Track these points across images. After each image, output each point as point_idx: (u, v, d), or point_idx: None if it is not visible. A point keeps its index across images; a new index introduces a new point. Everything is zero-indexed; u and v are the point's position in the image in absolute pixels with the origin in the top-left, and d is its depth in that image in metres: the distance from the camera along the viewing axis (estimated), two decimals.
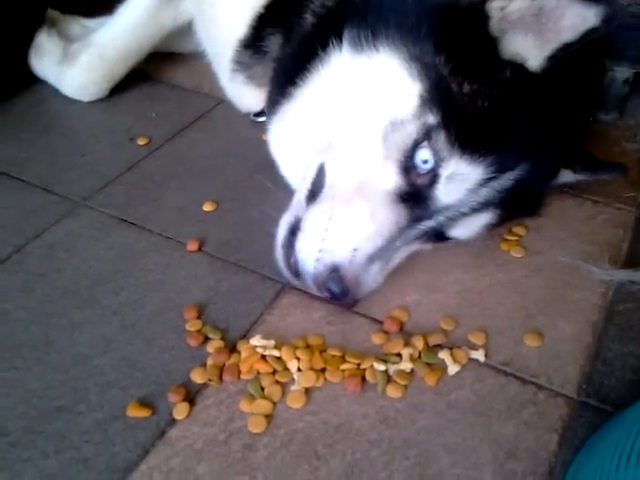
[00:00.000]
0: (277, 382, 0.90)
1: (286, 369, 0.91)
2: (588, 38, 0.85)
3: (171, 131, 1.42)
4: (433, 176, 0.91)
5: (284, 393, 0.89)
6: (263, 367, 0.91)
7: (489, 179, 0.92)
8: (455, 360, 0.94)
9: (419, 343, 0.95)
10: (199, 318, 0.99)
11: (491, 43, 0.89)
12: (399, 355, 0.94)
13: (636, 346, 0.98)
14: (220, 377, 0.91)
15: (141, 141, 1.38)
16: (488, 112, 0.89)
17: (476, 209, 0.96)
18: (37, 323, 0.98)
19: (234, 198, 1.23)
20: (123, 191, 1.25)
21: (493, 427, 0.87)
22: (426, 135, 0.89)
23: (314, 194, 0.98)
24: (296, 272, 0.96)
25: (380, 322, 1.00)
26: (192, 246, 1.11)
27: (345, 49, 0.99)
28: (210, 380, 0.90)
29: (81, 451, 0.82)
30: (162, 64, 1.61)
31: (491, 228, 1.04)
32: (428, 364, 0.93)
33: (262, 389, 0.89)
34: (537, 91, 0.91)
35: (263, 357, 0.92)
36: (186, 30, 1.45)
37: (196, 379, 0.90)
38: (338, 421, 0.87)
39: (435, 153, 0.90)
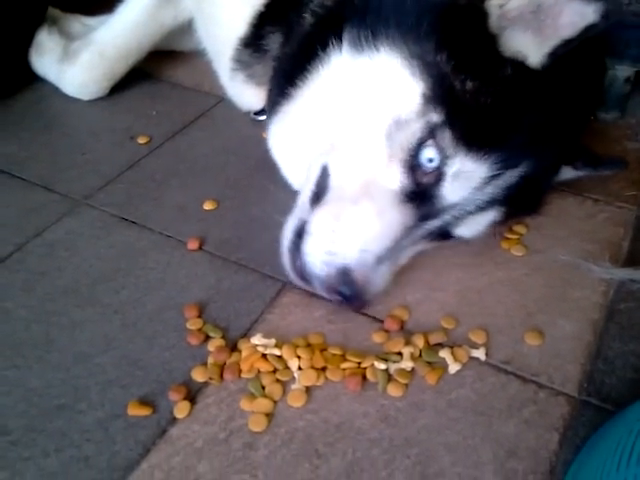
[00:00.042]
0: (278, 381, 0.90)
1: (287, 368, 0.91)
2: (587, 34, 0.85)
3: (172, 130, 1.42)
4: (438, 174, 0.91)
5: (285, 392, 0.89)
6: (264, 366, 0.91)
7: (494, 176, 0.92)
8: (456, 359, 0.94)
9: (420, 342, 0.95)
10: (200, 317, 0.99)
11: (491, 41, 0.89)
12: (400, 354, 0.94)
13: (637, 345, 0.98)
14: (221, 376, 0.91)
15: (142, 140, 1.38)
16: (491, 109, 0.89)
17: (481, 207, 0.96)
18: (38, 322, 0.98)
19: (235, 196, 1.23)
20: (124, 190, 1.25)
21: (494, 426, 0.87)
22: (430, 134, 0.89)
23: (318, 196, 0.98)
24: (304, 275, 0.96)
25: (381, 321, 0.99)
26: (193, 245, 1.11)
27: (345, 49, 0.99)
28: (211, 379, 0.90)
29: (82, 450, 0.82)
30: (162, 63, 1.61)
31: (496, 226, 1.03)
32: (429, 363, 0.93)
33: (263, 388, 0.89)
34: (539, 88, 0.91)
35: (264, 356, 0.92)
36: (186, 28, 1.45)
37: (197, 378, 0.90)
38: (339, 420, 0.87)
39: (440, 151, 0.89)
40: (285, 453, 0.83)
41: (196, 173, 1.29)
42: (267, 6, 1.22)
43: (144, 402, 0.87)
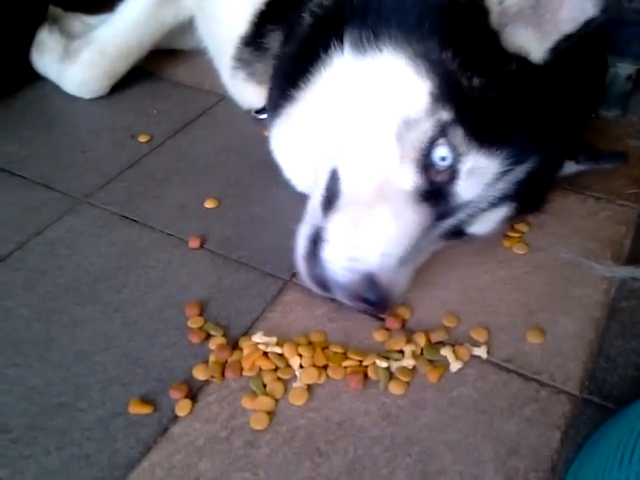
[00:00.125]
0: (279, 379, 0.90)
1: (288, 366, 0.91)
2: (588, 29, 0.85)
3: (172, 128, 1.42)
4: (452, 172, 0.91)
5: (286, 390, 0.89)
6: (265, 364, 0.91)
7: (505, 172, 0.92)
8: (457, 357, 0.94)
9: (421, 340, 0.95)
10: (201, 315, 0.99)
11: (494, 37, 0.89)
12: (401, 352, 0.94)
13: (639, 343, 0.97)
14: (222, 374, 0.91)
15: (142, 138, 1.38)
16: (500, 105, 0.89)
17: (493, 203, 0.96)
18: (38, 320, 0.98)
19: (236, 195, 1.23)
20: (125, 188, 1.25)
21: (495, 424, 0.86)
22: (442, 132, 0.89)
23: (330, 200, 0.97)
24: (321, 283, 0.95)
25: (382, 319, 0.99)
26: (194, 243, 1.11)
27: (347, 51, 0.98)
28: (212, 377, 0.90)
29: (83, 448, 0.82)
30: (163, 61, 1.61)
31: (508, 221, 1.03)
32: (430, 361, 0.93)
33: (264, 386, 0.89)
34: (543, 83, 0.91)
35: (265, 354, 0.92)
36: (187, 27, 1.45)
37: (198, 376, 0.90)
38: (340, 418, 0.87)
39: (453, 149, 0.89)
40: (286, 451, 0.83)
41: (197, 171, 1.29)
42: (267, 4, 1.22)
43: (145, 400, 0.87)
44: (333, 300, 0.98)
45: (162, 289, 1.04)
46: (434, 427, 0.86)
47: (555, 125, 0.97)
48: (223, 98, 1.48)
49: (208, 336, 0.96)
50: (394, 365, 0.92)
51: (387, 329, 0.98)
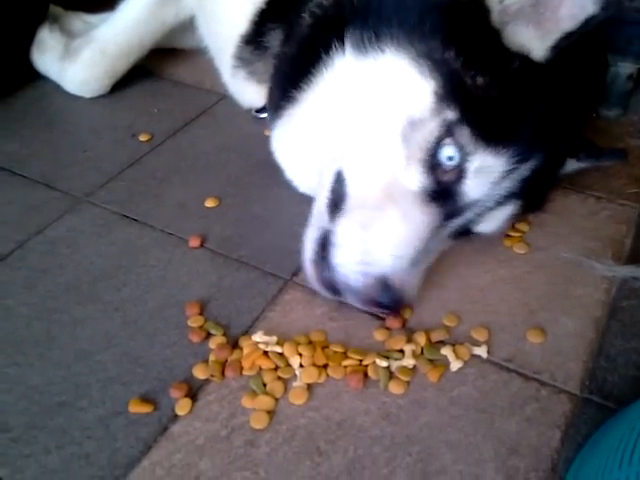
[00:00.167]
0: (279, 378, 0.90)
1: (288, 365, 0.91)
2: (589, 26, 0.85)
3: (173, 127, 1.42)
4: (459, 172, 0.91)
5: (286, 389, 0.89)
6: (265, 363, 0.91)
7: (511, 170, 0.92)
8: (457, 356, 0.93)
9: (421, 339, 0.95)
10: (201, 314, 0.99)
11: (496, 36, 0.89)
12: (401, 351, 0.94)
13: (639, 342, 0.97)
14: (222, 373, 0.91)
15: (143, 137, 1.38)
16: (504, 103, 0.89)
17: (500, 202, 0.96)
18: (39, 319, 0.98)
19: (236, 194, 1.23)
20: (125, 187, 1.25)
21: (495, 423, 0.86)
22: (448, 131, 0.89)
23: (336, 203, 0.96)
24: (330, 286, 0.95)
25: (382, 318, 0.99)
26: (194, 242, 1.11)
27: (348, 51, 0.98)
28: (212, 376, 0.90)
29: (83, 447, 0.82)
30: (164, 60, 1.61)
31: (514, 219, 1.04)
32: (430, 360, 0.93)
33: (264, 385, 0.89)
34: (545, 81, 0.91)
35: (265, 353, 0.92)
36: (188, 26, 1.45)
37: (198, 375, 0.90)
38: (340, 417, 0.87)
39: (460, 148, 0.89)
40: (286, 450, 0.83)
41: (197, 171, 1.29)
42: (268, 3, 1.22)
43: (145, 399, 0.87)
44: (336, 301, 0.99)
45: (162, 288, 1.04)
46: (434, 426, 0.86)
47: (557, 123, 0.97)
48: (223, 97, 1.48)
49: (208, 335, 0.96)
50: (394, 364, 0.92)
51: (387, 328, 0.98)
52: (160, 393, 0.88)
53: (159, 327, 0.97)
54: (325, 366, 0.92)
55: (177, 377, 0.90)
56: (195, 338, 0.95)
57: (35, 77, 1.52)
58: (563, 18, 0.86)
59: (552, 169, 1.05)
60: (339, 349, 0.93)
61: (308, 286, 1.04)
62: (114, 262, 1.08)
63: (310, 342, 0.95)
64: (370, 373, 0.91)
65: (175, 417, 0.86)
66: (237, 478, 0.80)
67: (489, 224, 1.00)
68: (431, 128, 0.89)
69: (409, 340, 0.95)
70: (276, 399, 0.88)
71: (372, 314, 0.99)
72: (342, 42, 0.98)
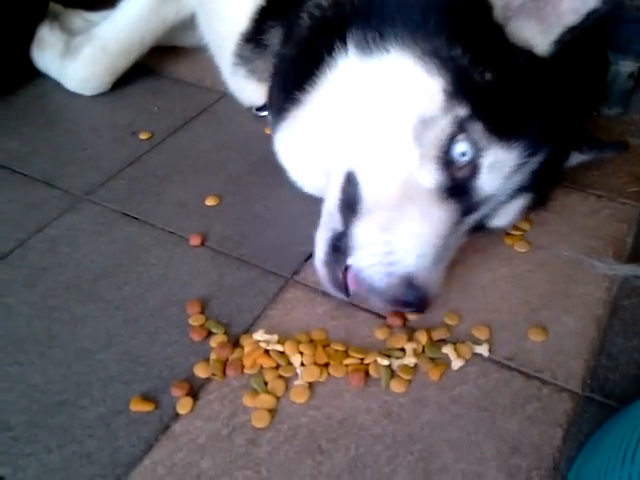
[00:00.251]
0: (280, 377, 0.90)
1: (289, 364, 0.91)
2: (591, 20, 0.85)
3: (173, 125, 1.41)
4: (473, 167, 0.91)
5: (287, 388, 0.89)
6: (266, 362, 0.91)
7: (522, 164, 0.92)
8: (459, 355, 0.93)
9: (423, 338, 0.95)
10: (202, 313, 0.99)
11: (500, 31, 0.89)
12: (402, 350, 0.94)
13: None
14: (223, 372, 0.90)
15: (143, 135, 1.38)
16: (512, 98, 0.89)
17: (512, 196, 0.96)
18: (40, 317, 0.98)
19: (237, 192, 1.23)
20: (125, 185, 1.24)
21: (497, 422, 0.86)
22: (460, 128, 0.88)
23: (348, 204, 0.96)
24: (343, 287, 0.95)
25: (383, 317, 0.99)
26: (195, 241, 1.11)
27: (351, 52, 0.97)
28: (213, 375, 0.90)
29: (84, 445, 0.82)
30: (164, 58, 1.61)
31: (526, 212, 1.04)
32: (432, 359, 0.93)
33: (265, 384, 0.89)
34: (550, 76, 0.91)
35: (266, 352, 0.92)
36: (188, 24, 1.45)
37: (199, 374, 0.90)
38: (342, 416, 0.87)
39: (474, 144, 0.89)
40: (288, 449, 0.83)
41: (198, 169, 1.29)
42: (268, 1, 1.22)
43: (146, 398, 0.87)
44: (337, 300, 0.99)
45: (163, 287, 1.04)
46: (436, 425, 0.86)
47: (563, 116, 0.98)
48: (224, 95, 1.48)
49: (209, 334, 0.96)
50: (395, 363, 0.92)
51: (388, 326, 0.97)
52: (161, 392, 0.88)
53: (160, 326, 0.97)
54: (326, 365, 0.92)
55: (178, 376, 0.90)
56: (196, 337, 0.95)
57: (35, 75, 1.52)
58: (565, 12, 0.86)
59: (558, 162, 1.06)
60: (340, 348, 0.93)
61: (309, 285, 1.04)
62: (115, 261, 1.08)
63: (311, 341, 0.95)
64: (371, 372, 0.91)
65: (176, 416, 0.86)
66: (238, 477, 0.80)
67: (502, 218, 1.00)
68: (443, 125, 0.89)
69: (410, 339, 0.95)
70: (277, 398, 0.88)
71: (373, 312, 0.99)
72: (344, 43, 0.98)
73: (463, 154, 0.89)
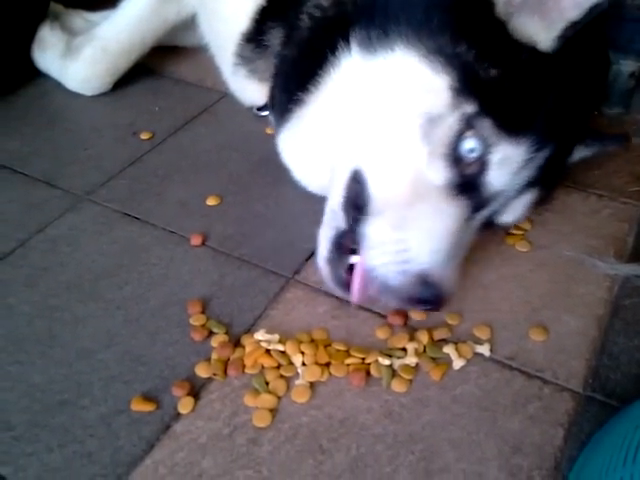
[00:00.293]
0: (281, 376, 0.90)
1: (290, 363, 0.91)
2: (593, 15, 0.85)
3: (174, 125, 1.41)
4: (481, 163, 0.91)
5: (289, 387, 0.89)
6: (267, 361, 0.91)
7: (529, 159, 0.93)
8: (460, 354, 0.93)
9: (424, 337, 0.95)
10: (203, 312, 0.99)
11: (503, 28, 0.89)
12: (404, 350, 0.94)
13: None
14: (224, 371, 0.90)
15: (144, 135, 1.38)
16: (518, 93, 0.89)
17: (520, 191, 0.96)
18: (41, 317, 0.98)
19: (238, 192, 1.23)
20: (126, 185, 1.24)
21: (498, 422, 0.86)
22: (468, 125, 0.88)
23: (353, 202, 0.95)
24: (346, 285, 0.94)
25: (384, 316, 0.99)
26: (196, 240, 1.11)
27: (355, 51, 0.97)
28: (214, 374, 0.90)
29: (85, 445, 0.82)
30: (165, 58, 1.61)
31: (533, 207, 1.04)
32: (433, 358, 0.93)
33: (266, 383, 0.89)
34: (554, 71, 0.91)
35: (267, 351, 0.92)
36: (189, 24, 1.45)
37: (200, 373, 0.90)
38: (343, 415, 0.87)
39: (483, 140, 0.89)
40: (289, 449, 0.83)
41: (199, 169, 1.29)
42: (269, 1, 1.22)
43: (147, 398, 0.87)
44: (338, 299, 0.99)
45: (164, 286, 1.04)
46: (437, 425, 0.86)
47: (568, 111, 0.98)
48: (225, 95, 1.48)
49: (210, 333, 0.96)
50: (397, 363, 0.92)
51: (389, 326, 0.97)
52: (162, 391, 0.88)
53: (161, 325, 0.97)
54: (327, 364, 0.92)
55: (179, 375, 0.90)
56: (197, 336, 0.95)
57: (36, 75, 1.52)
58: (567, 7, 0.86)
59: (564, 157, 1.06)
60: (341, 347, 0.93)
61: (310, 284, 1.04)
62: (115, 260, 1.08)
63: (312, 340, 0.95)
64: (372, 371, 0.91)
65: (177, 415, 0.86)
66: (240, 476, 0.80)
67: (511, 214, 1.00)
68: (450, 123, 0.89)
69: (411, 338, 0.95)
70: (278, 397, 0.88)
71: (374, 312, 0.99)
72: (347, 42, 0.98)
73: (472, 150, 0.89)
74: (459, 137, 0.89)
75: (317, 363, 0.91)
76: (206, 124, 1.43)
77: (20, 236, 1.12)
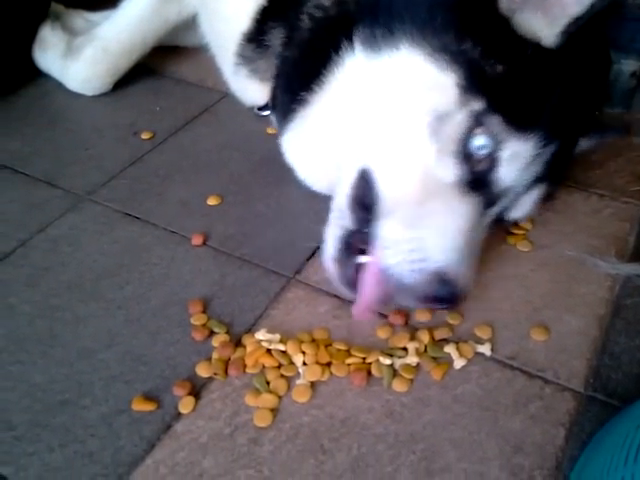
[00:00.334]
0: (282, 376, 0.90)
1: (291, 363, 0.91)
2: (595, 10, 0.85)
3: (175, 125, 1.41)
4: (491, 160, 0.91)
5: (289, 387, 0.89)
6: (268, 361, 0.91)
7: (537, 154, 0.93)
8: (461, 354, 0.93)
9: (425, 337, 0.95)
10: (204, 312, 0.99)
11: (507, 24, 0.89)
12: (405, 349, 0.94)
13: None
14: (225, 371, 0.90)
15: (145, 135, 1.38)
16: (525, 89, 0.89)
17: (528, 187, 0.97)
18: (42, 317, 0.98)
19: (238, 192, 1.23)
20: (127, 185, 1.24)
21: (500, 421, 0.86)
22: (477, 121, 0.89)
23: (361, 202, 0.95)
24: (353, 285, 0.94)
25: (386, 316, 0.99)
26: (197, 240, 1.11)
27: (359, 50, 0.97)
28: (215, 374, 0.90)
29: (86, 445, 0.82)
30: (166, 58, 1.61)
31: (541, 202, 1.04)
32: (434, 358, 0.93)
33: (267, 383, 0.89)
34: (559, 67, 0.92)
35: (268, 351, 0.92)
36: (190, 24, 1.45)
37: (201, 373, 0.90)
38: (344, 415, 0.86)
39: (492, 137, 0.89)
40: (290, 448, 0.83)
41: (200, 169, 1.29)
42: (270, 1, 1.22)
43: (148, 397, 0.87)
44: (339, 298, 0.99)
45: (165, 286, 1.04)
46: (438, 424, 0.86)
47: (573, 106, 0.98)
48: (225, 95, 1.48)
49: (211, 333, 0.96)
50: (398, 362, 0.92)
51: (390, 325, 0.97)
52: (163, 391, 0.88)
53: (162, 325, 0.97)
54: (328, 364, 0.92)
55: (180, 375, 0.90)
56: (198, 336, 0.95)
57: (37, 75, 1.52)
58: (569, 3, 0.86)
59: (569, 151, 1.06)
60: (342, 347, 0.93)
61: (311, 284, 1.04)
62: (116, 260, 1.08)
63: (313, 340, 0.95)
64: (373, 371, 0.91)
65: (178, 415, 0.86)
66: (241, 476, 0.80)
67: (520, 210, 1.01)
68: (459, 120, 0.89)
69: (412, 338, 0.95)
70: (279, 397, 0.88)
71: (378, 312, 0.99)
72: (350, 41, 0.97)
73: (482, 147, 0.90)
74: (468, 134, 0.89)
75: (318, 363, 0.91)
76: (207, 124, 1.43)
77: (21, 236, 1.12)
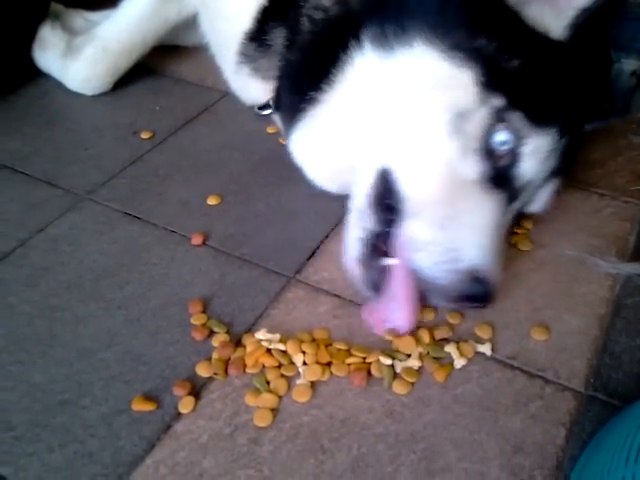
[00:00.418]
0: (283, 376, 0.90)
1: (292, 363, 0.91)
2: (601, 2, 0.86)
3: (175, 125, 1.41)
4: (513, 155, 0.91)
5: (290, 387, 0.89)
6: (268, 361, 0.91)
7: (554, 148, 0.94)
8: (461, 354, 0.93)
9: (425, 337, 0.95)
10: (204, 312, 0.99)
11: (517, 18, 0.90)
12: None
13: None
14: (225, 371, 0.90)
15: (145, 135, 1.37)
16: (541, 83, 0.90)
17: (545, 180, 0.98)
18: (41, 317, 0.98)
19: (238, 192, 1.23)
20: (127, 185, 1.24)
21: (500, 421, 0.86)
22: (498, 117, 0.89)
23: (382, 202, 0.94)
24: (376, 287, 0.94)
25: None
26: (196, 240, 1.11)
27: (368, 49, 0.96)
28: (215, 374, 0.90)
29: (86, 445, 0.82)
30: (166, 58, 1.61)
31: (556, 195, 1.05)
32: (436, 359, 0.92)
33: (267, 383, 0.89)
34: (571, 59, 0.93)
35: (268, 351, 0.92)
36: (190, 23, 1.45)
37: (201, 373, 0.90)
38: (344, 415, 0.86)
39: (515, 132, 0.90)
40: (290, 448, 0.83)
41: (199, 168, 1.29)
42: (270, 1, 1.22)
43: (148, 397, 0.87)
44: (339, 298, 0.98)
45: (165, 286, 1.03)
46: (438, 424, 0.86)
47: (584, 99, 0.99)
48: (225, 95, 1.48)
49: (211, 333, 0.95)
50: (399, 365, 0.91)
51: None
52: (163, 391, 0.88)
53: (162, 325, 0.97)
54: (329, 364, 0.91)
55: (180, 375, 0.90)
56: (198, 336, 0.95)
57: (37, 75, 1.52)
58: None
59: (577, 142, 1.07)
60: (343, 347, 0.93)
61: (311, 284, 1.04)
62: (116, 260, 1.08)
63: (313, 340, 0.94)
64: (374, 371, 0.90)
65: (178, 415, 0.86)
66: (241, 476, 0.80)
67: (536, 204, 1.02)
68: (480, 117, 0.89)
69: (417, 341, 0.94)
70: (279, 397, 0.88)
71: None
72: (358, 40, 0.97)
73: (504, 143, 0.90)
74: (490, 130, 0.89)
75: (318, 362, 0.91)
76: (207, 123, 1.43)
77: (21, 236, 1.12)
